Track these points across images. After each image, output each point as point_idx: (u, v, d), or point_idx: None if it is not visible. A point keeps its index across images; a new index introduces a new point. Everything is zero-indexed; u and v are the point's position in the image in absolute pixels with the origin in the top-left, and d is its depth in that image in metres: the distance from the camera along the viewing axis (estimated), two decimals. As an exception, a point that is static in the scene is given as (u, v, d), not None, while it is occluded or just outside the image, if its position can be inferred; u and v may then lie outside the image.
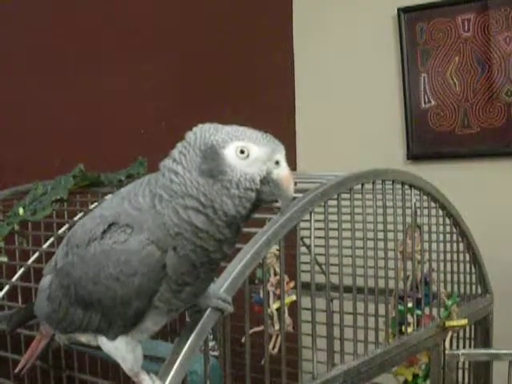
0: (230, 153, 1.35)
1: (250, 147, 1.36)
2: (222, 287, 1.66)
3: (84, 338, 1.61)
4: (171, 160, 1.42)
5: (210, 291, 1.60)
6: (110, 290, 1.42)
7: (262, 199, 1.38)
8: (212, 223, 1.38)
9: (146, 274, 1.40)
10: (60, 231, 2.41)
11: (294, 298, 2.68)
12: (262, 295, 2.62)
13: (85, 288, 1.46)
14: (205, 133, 1.40)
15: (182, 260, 1.41)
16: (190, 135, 1.42)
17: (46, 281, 1.64)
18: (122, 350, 1.52)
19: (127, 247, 1.40)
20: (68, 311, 1.54)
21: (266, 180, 1.37)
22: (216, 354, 2.91)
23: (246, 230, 1.55)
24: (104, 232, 1.44)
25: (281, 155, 1.38)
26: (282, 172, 1.37)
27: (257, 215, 1.66)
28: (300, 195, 1.99)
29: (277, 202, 1.40)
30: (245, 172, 1.35)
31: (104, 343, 1.55)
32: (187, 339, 1.57)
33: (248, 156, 1.36)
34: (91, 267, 1.44)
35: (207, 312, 1.62)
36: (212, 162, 1.36)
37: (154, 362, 1.71)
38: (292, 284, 2.65)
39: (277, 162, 1.37)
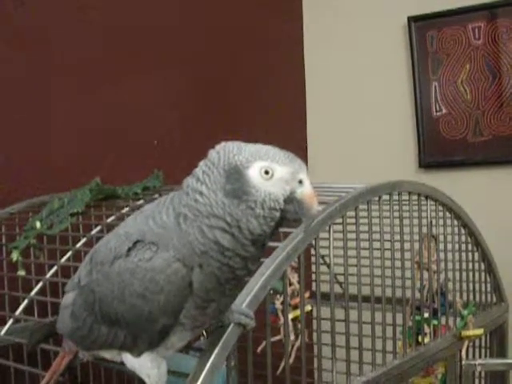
0: (254, 173, 1.36)
1: (274, 167, 1.36)
2: (243, 302, 1.66)
3: (108, 355, 1.62)
4: (195, 179, 1.42)
5: (232, 306, 1.61)
6: (136, 307, 1.43)
7: (287, 218, 1.39)
8: (238, 242, 1.38)
9: (171, 292, 1.40)
10: (78, 245, 2.41)
11: (308, 308, 2.69)
12: (276, 306, 2.63)
13: (110, 306, 1.47)
14: (228, 152, 1.40)
15: (207, 277, 1.41)
16: (213, 154, 1.42)
17: (68, 297, 1.64)
18: (146, 366, 1.53)
19: (153, 265, 1.40)
20: (92, 328, 1.55)
21: (290, 199, 1.37)
22: (232, 364, 2.91)
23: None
24: (129, 250, 1.45)
25: (304, 174, 1.38)
26: (306, 191, 1.37)
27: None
28: (319, 208, 2.00)
29: (301, 220, 1.39)
30: (269, 192, 1.36)
31: (128, 360, 1.55)
32: (211, 354, 1.57)
33: (272, 176, 1.36)
34: (116, 285, 1.45)
35: (230, 327, 1.62)
36: (236, 183, 1.36)
37: (176, 377, 1.71)
38: (307, 294, 2.66)
39: (300, 181, 1.37)
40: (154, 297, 1.41)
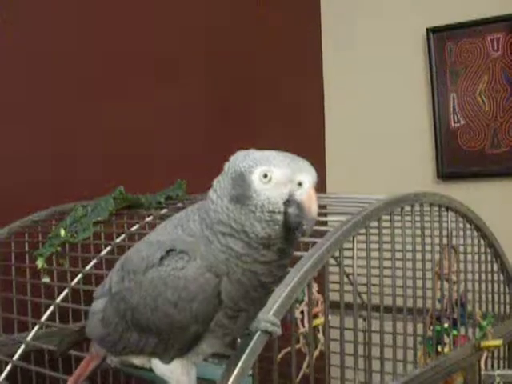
0: (255, 178, 1.38)
1: (272, 171, 1.38)
2: (270, 310, 1.68)
3: (137, 361, 1.63)
4: (212, 188, 1.47)
5: (258, 314, 1.63)
6: (168, 315, 1.46)
7: (290, 221, 1.39)
8: (250, 247, 1.41)
9: (203, 300, 1.43)
10: (102, 253, 2.44)
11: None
12: (296, 315, 2.64)
13: (142, 313, 1.49)
14: (235, 160, 1.44)
15: (235, 285, 1.44)
16: (226, 163, 1.46)
17: (98, 304, 1.66)
18: (177, 372, 1.55)
19: (186, 274, 1.43)
20: (123, 335, 1.57)
21: (290, 202, 1.38)
22: (250, 372, 2.92)
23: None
24: (162, 258, 1.48)
25: (304, 176, 1.38)
26: (304, 193, 1.38)
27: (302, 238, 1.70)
28: (343, 219, 2.02)
29: (302, 223, 1.38)
30: (268, 196, 1.38)
31: (158, 366, 1.58)
32: (238, 361, 1.60)
33: (270, 180, 1.38)
34: (149, 293, 1.47)
35: (257, 335, 1.65)
36: (240, 188, 1.40)
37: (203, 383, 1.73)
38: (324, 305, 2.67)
39: (300, 183, 1.38)
40: (187, 305, 1.44)
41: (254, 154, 1.43)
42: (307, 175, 1.39)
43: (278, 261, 1.45)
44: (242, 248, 1.41)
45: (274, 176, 1.38)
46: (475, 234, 2.77)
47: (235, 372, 1.58)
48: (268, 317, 1.67)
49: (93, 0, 3.32)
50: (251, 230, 1.39)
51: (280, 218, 1.38)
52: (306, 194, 1.38)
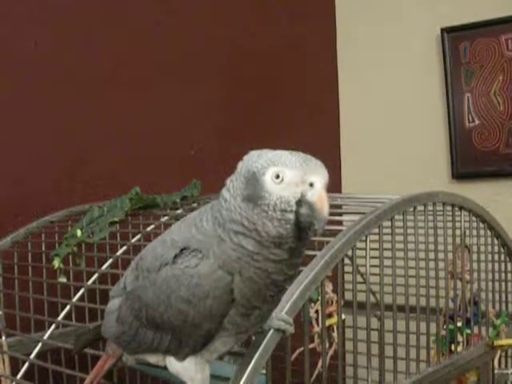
0: (267, 179, 1.40)
1: (284, 171, 1.40)
2: (283, 309, 1.70)
3: (152, 359, 1.66)
4: (225, 187, 1.50)
5: (272, 313, 1.65)
6: (182, 312, 1.48)
7: (301, 221, 1.41)
8: (262, 245, 1.43)
9: (216, 297, 1.45)
10: (118, 253, 2.47)
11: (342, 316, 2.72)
12: (310, 314, 2.66)
13: (156, 310, 1.52)
14: (248, 160, 1.47)
15: (247, 283, 1.46)
16: (239, 163, 1.49)
17: (114, 303, 1.69)
18: (190, 370, 1.57)
19: (199, 271, 1.46)
20: (138, 333, 1.59)
21: (302, 202, 1.40)
22: (263, 371, 2.93)
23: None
24: (175, 257, 1.50)
25: (316, 177, 1.40)
26: (316, 194, 1.40)
27: (315, 238, 1.71)
28: (355, 218, 2.03)
29: (314, 223, 1.41)
30: (280, 195, 1.40)
31: (172, 363, 1.60)
32: (251, 359, 1.61)
33: (282, 180, 1.40)
34: (163, 290, 1.50)
35: (270, 333, 1.66)
36: (253, 188, 1.42)
37: (216, 381, 1.74)
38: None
39: (311, 184, 1.40)
40: (200, 302, 1.46)
41: (267, 154, 1.45)
42: (319, 176, 1.41)
43: (289, 260, 1.47)
44: (253, 247, 1.43)
45: (285, 176, 1.40)
46: (488, 233, 2.77)
47: (248, 369, 1.60)
48: (281, 315, 1.69)
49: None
50: (263, 229, 1.42)
51: (292, 217, 1.40)
52: (318, 195, 1.40)
